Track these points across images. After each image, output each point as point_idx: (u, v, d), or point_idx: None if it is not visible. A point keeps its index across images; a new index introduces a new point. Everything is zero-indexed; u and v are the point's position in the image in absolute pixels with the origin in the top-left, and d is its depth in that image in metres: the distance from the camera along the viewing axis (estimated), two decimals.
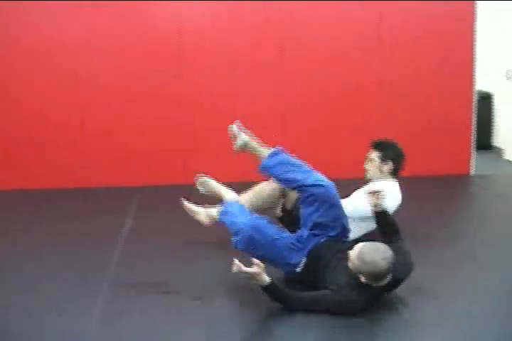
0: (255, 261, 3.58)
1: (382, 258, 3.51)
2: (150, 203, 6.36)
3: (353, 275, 3.60)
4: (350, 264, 3.59)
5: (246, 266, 3.56)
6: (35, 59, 6.83)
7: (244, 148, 4.49)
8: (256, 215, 4.14)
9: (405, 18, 7.01)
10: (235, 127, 4.50)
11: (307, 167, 4.23)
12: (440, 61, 7.12)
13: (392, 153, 4.66)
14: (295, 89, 7.01)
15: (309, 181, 4.06)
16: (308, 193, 4.03)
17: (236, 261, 3.55)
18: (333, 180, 4.15)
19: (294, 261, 3.92)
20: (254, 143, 4.48)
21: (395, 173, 4.70)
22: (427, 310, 3.73)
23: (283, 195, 4.68)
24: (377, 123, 7.05)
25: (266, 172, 4.35)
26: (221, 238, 4.63)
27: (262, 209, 4.60)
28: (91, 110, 6.95)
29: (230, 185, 4.80)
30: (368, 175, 4.71)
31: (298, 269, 3.91)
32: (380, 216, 4.00)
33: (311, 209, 4.01)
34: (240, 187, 4.76)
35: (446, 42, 7.09)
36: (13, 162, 6.98)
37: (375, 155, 4.67)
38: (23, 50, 6.81)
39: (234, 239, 4.00)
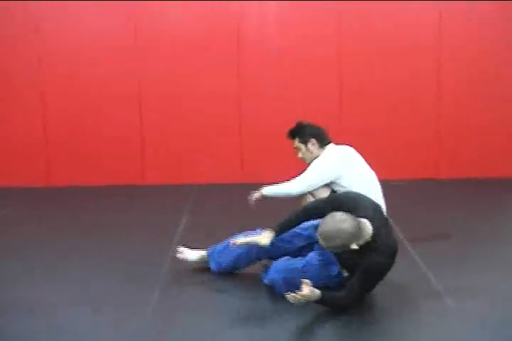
0: (302, 280, 3.55)
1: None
2: (206, 201, 6.42)
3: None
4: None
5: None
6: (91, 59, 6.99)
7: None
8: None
9: (466, 18, 6.92)
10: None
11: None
12: (500, 63, 7.00)
13: (306, 131, 4.74)
14: (352, 88, 6.99)
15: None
16: None
17: (288, 295, 3.50)
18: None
19: (335, 272, 3.90)
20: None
21: (323, 143, 4.75)
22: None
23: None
24: (434, 125, 7.00)
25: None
26: None
27: None
28: (149, 109, 7.07)
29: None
30: (307, 162, 4.76)
31: (345, 274, 3.89)
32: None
33: None
34: None
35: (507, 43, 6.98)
36: (77, 160, 7.16)
37: (295, 143, 4.76)
38: (89, 50, 6.97)
39: (275, 289, 3.96)
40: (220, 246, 4.28)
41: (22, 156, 7.21)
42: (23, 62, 7.05)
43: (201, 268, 4.41)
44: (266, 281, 4.07)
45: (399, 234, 5.07)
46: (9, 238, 5.34)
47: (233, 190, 6.73)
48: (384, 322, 3.61)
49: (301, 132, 4.75)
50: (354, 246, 3.55)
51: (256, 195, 4.70)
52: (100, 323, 3.64)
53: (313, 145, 4.72)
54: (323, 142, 4.75)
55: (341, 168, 4.65)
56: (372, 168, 4.80)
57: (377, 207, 3.81)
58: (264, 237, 3.90)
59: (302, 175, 4.63)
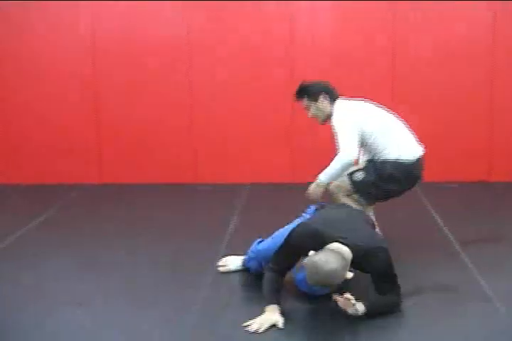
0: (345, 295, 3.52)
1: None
2: (258, 200, 6.45)
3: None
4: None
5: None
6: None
7: None
8: None
9: None
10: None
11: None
12: None
13: (313, 89, 4.59)
14: (404, 95, 6.93)
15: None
16: None
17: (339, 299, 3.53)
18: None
19: None
20: None
21: (333, 97, 4.60)
22: None
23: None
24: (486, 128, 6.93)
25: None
26: None
27: None
28: (200, 109, 7.12)
29: None
30: (321, 119, 4.65)
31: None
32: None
33: None
34: None
35: None
36: (130, 157, 7.27)
37: (304, 102, 4.62)
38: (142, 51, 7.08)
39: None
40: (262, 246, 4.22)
41: (75, 152, 7.32)
42: (76, 62, 7.16)
43: None
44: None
45: (449, 236, 5.04)
46: (61, 234, 5.45)
47: (284, 190, 6.76)
48: (431, 325, 3.58)
49: (308, 90, 4.59)
50: (349, 275, 3.48)
51: (315, 189, 4.54)
52: (148, 320, 3.69)
53: (324, 100, 4.57)
54: (332, 96, 4.60)
55: (362, 115, 4.54)
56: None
57: (326, 223, 3.70)
58: (275, 317, 3.56)
59: (339, 142, 4.44)
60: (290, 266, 3.78)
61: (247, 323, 3.53)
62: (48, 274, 4.45)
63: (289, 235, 3.71)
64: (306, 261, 3.44)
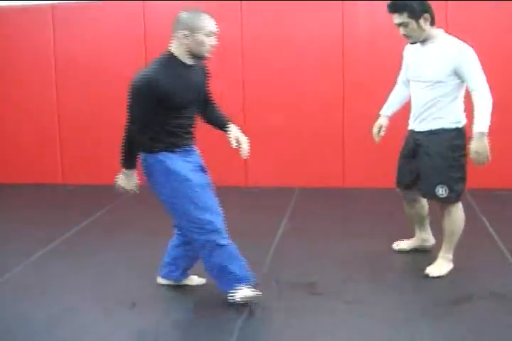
0: None
1: None
2: (307, 204, 6.46)
3: None
4: None
5: None
6: None
7: None
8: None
9: None
10: None
11: None
12: None
13: (416, 5, 4.03)
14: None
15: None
16: None
17: None
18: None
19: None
20: None
21: (433, 21, 4.13)
22: None
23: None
24: None
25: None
26: (379, 249, 4.68)
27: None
28: (252, 113, 7.16)
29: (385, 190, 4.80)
30: (413, 40, 4.16)
31: None
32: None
33: None
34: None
35: None
36: None
37: (403, 18, 4.06)
38: None
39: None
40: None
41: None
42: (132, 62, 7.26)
43: (302, 270, 4.46)
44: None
45: (500, 245, 4.98)
46: (110, 236, 5.52)
47: (334, 195, 6.76)
48: (480, 332, 3.56)
49: (412, 5, 4.02)
50: None
51: (483, 144, 4.01)
52: (195, 323, 3.75)
53: (426, 21, 4.06)
54: (433, 19, 4.12)
55: None
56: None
57: None
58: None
59: (482, 82, 4.03)
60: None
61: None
62: (102, 273, 4.52)
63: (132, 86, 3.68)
64: None
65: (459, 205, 4.31)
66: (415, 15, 4.02)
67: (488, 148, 4.04)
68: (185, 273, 4.23)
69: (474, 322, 3.66)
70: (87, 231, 5.63)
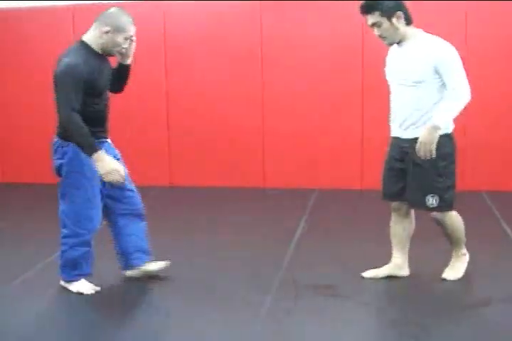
0: None
1: None
2: (325, 206, 6.45)
3: None
4: None
5: None
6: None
7: None
8: None
9: None
10: None
11: None
12: None
13: (388, 3, 3.85)
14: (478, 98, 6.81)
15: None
16: None
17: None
18: None
19: None
20: None
21: (409, 20, 3.93)
22: None
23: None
24: None
25: None
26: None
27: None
28: (271, 113, 7.17)
29: None
30: (388, 41, 3.98)
31: None
32: None
33: None
34: None
35: None
36: (200, 161, 7.37)
37: (375, 18, 3.89)
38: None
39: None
40: None
41: (147, 156, 7.46)
42: (149, 62, 7.28)
43: (320, 272, 4.45)
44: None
45: None
46: None
47: (352, 196, 6.75)
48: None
49: (382, 4, 3.85)
50: None
51: (431, 136, 3.83)
52: (214, 324, 3.73)
53: (399, 19, 3.88)
54: (408, 18, 3.93)
55: None
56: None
57: None
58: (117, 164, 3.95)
59: (460, 80, 3.86)
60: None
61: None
62: (116, 275, 4.52)
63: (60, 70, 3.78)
64: None
65: (452, 214, 4.13)
66: (387, 14, 3.85)
67: (434, 143, 3.84)
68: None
69: (495, 325, 3.63)
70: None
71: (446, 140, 3.94)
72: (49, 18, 7.44)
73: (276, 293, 4.12)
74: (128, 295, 4.15)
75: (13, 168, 7.68)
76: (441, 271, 4.30)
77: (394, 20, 3.86)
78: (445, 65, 3.83)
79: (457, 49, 3.91)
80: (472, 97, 3.89)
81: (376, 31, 3.94)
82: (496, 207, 6.07)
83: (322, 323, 3.70)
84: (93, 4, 7.31)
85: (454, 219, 4.16)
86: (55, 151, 4.00)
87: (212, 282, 4.38)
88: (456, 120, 3.97)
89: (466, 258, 4.34)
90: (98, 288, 4.17)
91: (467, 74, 3.90)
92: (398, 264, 4.34)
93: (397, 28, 3.89)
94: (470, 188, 6.54)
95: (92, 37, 3.90)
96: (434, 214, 4.10)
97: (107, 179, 3.86)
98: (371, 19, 3.90)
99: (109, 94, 4.14)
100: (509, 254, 4.86)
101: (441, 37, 3.94)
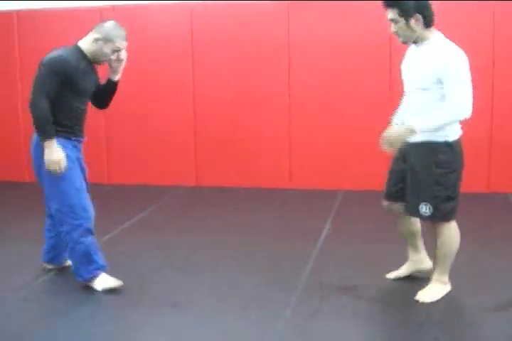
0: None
1: None
2: (351, 207, 6.44)
3: None
4: None
5: None
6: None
7: None
8: None
9: None
10: None
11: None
12: None
13: (409, 3, 3.74)
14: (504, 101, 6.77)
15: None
16: None
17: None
18: None
19: None
20: None
21: (429, 23, 3.80)
22: None
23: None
24: None
25: None
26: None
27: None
28: (298, 113, 7.16)
29: None
30: (402, 39, 3.88)
31: None
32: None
33: None
34: None
35: None
36: (225, 161, 7.39)
37: (394, 13, 3.78)
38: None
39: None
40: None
41: (173, 156, 7.51)
42: (176, 67, 7.31)
43: (345, 273, 4.44)
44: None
45: None
46: (154, 236, 5.54)
47: (378, 198, 6.71)
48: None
49: (403, 3, 3.76)
50: None
51: (402, 134, 3.79)
52: (238, 323, 3.74)
53: (417, 22, 3.77)
54: (429, 21, 3.81)
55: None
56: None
57: None
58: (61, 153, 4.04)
59: (461, 93, 3.70)
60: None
61: None
62: (143, 274, 4.55)
63: (46, 65, 3.97)
64: None
65: (451, 225, 3.94)
66: (405, 14, 3.75)
67: (401, 140, 3.78)
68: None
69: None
70: (130, 231, 5.69)
71: (445, 147, 3.84)
72: (77, 20, 7.50)
73: (301, 294, 4.12)
74: (151, 294, 4.17)
75: None
76: (465, 272, 4.29)
77: (412, 21, 3.76)
78: (448, 76, 3.69)
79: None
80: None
81: (392, 27, 3.85)
82: None
83: (346, 324, 3.69)
84: (120, 6, 7.37)
85: (451, 233, 3.96)
86: (35, 149, 4.15)
87: (236, 282, 4.38)
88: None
89: (447, 287, 4.05)
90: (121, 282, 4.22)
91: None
92: (415, 260, 4.31)
93: (413, 30, 3.79)
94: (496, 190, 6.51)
95: (85, 43, 4.10)
96: (432, 225, 3.98)
97: (47, 167, 3.99)
98: (390, 14, 3.81)
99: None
100: None
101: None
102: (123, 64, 4.25)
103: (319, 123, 7.12)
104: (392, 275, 4.35)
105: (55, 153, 3.98)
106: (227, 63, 7.24)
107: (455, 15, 6.56)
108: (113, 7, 7.39)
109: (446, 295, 4.00)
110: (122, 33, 4.08)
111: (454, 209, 3.92)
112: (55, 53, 3.98)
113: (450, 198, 3.88)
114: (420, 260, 4.32)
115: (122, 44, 4.09)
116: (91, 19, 7.37)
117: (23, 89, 7.72)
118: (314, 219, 5.96)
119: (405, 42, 3.93)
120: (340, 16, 6.92)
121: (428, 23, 3.80)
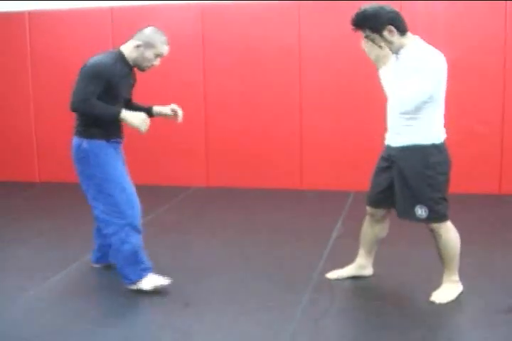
0: None
1: None
2: (362, 208, 6.40)
3: None
4: None
5: None
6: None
7: None
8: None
9: None
10: None
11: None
12: None
13: (378, 19, 3.74)
14: None
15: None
16: None
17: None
18: None
19: None
20: None
21: (403, 30, 3.78)
22: None
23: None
24: None
25: None
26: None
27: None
28: (309, 113, 7.16)
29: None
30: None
31: None
32: None
33: None
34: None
35: None
36: (237, 162, 7.40)
37: (366, 32, 3.80)
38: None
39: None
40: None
41: (184, 157, 7.52)
42: (188, 70, 7.31)
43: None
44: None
45: None
46: (166, 236, 5.55)
47: None
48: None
49: (371, 20, 3.76)
50: None
51: (372, 47, 3.86)
52: (249, 323, 3.74)
53: (390, 33, 3.76)
54: (402, 28, 3.79)
55: (439, 84, 3.78)
56: None
57: None
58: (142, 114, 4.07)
59: (412, 85, 3.70)
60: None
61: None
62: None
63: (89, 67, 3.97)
64: None
65: (448, 225, 3.95)
66: (376, 30, 3.76)
67: (372, 51, 3.85)
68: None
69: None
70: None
71: (433, 150, 3.85)
72: (88, 20, 7.53)
73: (312, 294, 4.12)
74: (163, 295, 4.16)
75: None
76: (475, 272, 4.29)
77: (386, 34, 3.76)
78: (416, 71, 3.69)
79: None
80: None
81: (366, 45, 3.89)
82: None
83: (357, 324, 3.70)
84: (131, 6, 7.39)
85: (451, 234, 3.97)
86: (76, 152, 4.14)
87: (247, 282, 4.38)
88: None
89: (459, 286, 4.08)
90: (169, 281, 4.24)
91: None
92: (361, 264, 4.40)
93: (390, 41, 3.79)
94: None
95: (127, 49, 4.11)
96: (430, 228, 3.98)
97: (142, 128, 4.04)
98: (363, 33, 3.84)
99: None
100: None
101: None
102: (179, 119, 4.42)
103: (330, 123, 7.11)
104: (334, 275, 4.42)
105: (135, 116, 4.00)
106: (237, 63, 7.24)
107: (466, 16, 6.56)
108: (120, 8, 7.41)
109: (460, 295, 4.00)
110: (163, 37, 4.10)
111: (447, 209, 3.95)
112: (97, 57, 4.01)
113: (443, 199, 3.91)
114: (365, 266, 4.42)
115: (164, 48, 4.11)
116: (101, 19, 7.46)
117: (35, 89, 7.77)
118: (325, 219, 5.95)
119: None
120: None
121: (402, 30, 3.79)
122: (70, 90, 3.94)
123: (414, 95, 3.71)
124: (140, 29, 4.13)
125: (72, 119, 4.18)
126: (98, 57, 4.02)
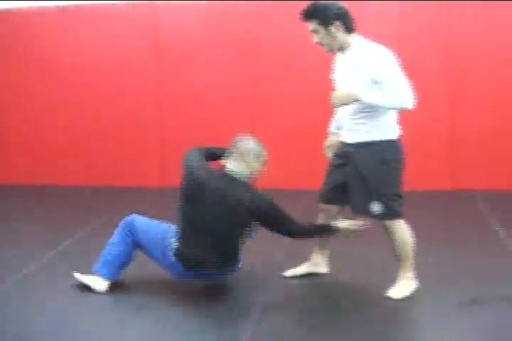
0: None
1: None
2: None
3: None
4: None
5: None
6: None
7: None
8: None
9: None
10: None
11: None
12: None
13: (328, 12, 3.81)
14: None
15: None
16: None
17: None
18: None
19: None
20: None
21: (349, 28, 3.87)
22: None
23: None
24: None
25: None
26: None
27: None
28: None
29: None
30: (326, 48, 3.94)
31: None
32: None
33: None
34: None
35: None
36: None
37: (313, 24, 3.86)
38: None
39: None
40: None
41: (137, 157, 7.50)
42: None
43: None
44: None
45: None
46: None
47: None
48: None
49: (321, 12, 3.83)
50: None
51: (346, 96, 3.79)
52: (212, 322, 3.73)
53: (337, 28, 3.82)
54: (349, 27, 3.86)
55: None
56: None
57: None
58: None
59: (402, 84, 3.71)
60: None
61: None
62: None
63: (271, 202, 3.93)
64: None
65: (401, 223, 3.97)
66: (324, 23, 3.82)
67: (346, 98, 3.77)
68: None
69: (485, 324, 3.62)
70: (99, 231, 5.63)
71: (389, 146, 3.89)
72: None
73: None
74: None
75: None
76: (432, 270, 4.32)
77: (332, 28, 3.82)
78: (384, 74, 3.71)
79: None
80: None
81: (314, 38, 3.91)
82: (488, 207, 6.10)
83: (311, 320, 3.70)
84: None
85: (404, 230, 3.98)
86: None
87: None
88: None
89: (414, 283, 4.08)
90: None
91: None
92: (316, 262, 4.44)
93: (334, 37, 3.85)
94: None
95: (237, 166, 4.02)
96: (383, 224, 3.99)
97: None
98: (310, 26, 3.89)
99: None
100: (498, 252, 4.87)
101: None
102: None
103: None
104: (289, 273, 4.44)
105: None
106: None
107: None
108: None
109: (415, 292, 4.01)
110: (263, 146, 4.09)
111: (401, 206, 3.96)
112: (255, 194, 3.93)
113: (398, 196, 3.93)
114: (319, 264, 4.45)
115: (265, 155, 4.10)
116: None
117: None
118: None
119: (330, 51, 3.97)
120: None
121: (349, 28, 3.86)
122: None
123: (408, 90, 3.71)
124: (243, 148, 4.03)
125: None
126: (245, 191, 3.91)
